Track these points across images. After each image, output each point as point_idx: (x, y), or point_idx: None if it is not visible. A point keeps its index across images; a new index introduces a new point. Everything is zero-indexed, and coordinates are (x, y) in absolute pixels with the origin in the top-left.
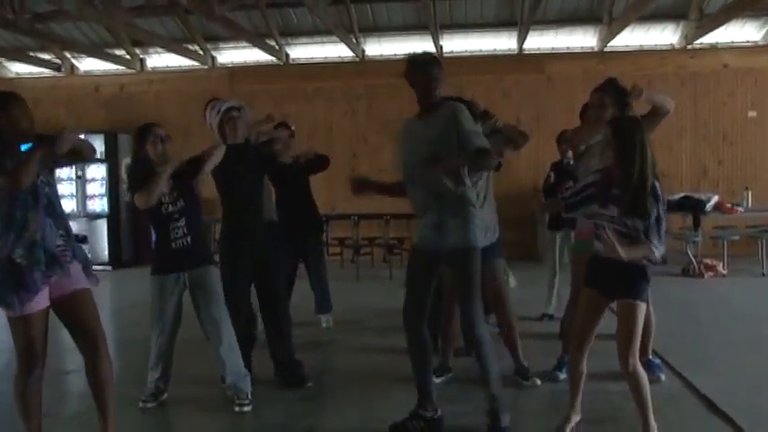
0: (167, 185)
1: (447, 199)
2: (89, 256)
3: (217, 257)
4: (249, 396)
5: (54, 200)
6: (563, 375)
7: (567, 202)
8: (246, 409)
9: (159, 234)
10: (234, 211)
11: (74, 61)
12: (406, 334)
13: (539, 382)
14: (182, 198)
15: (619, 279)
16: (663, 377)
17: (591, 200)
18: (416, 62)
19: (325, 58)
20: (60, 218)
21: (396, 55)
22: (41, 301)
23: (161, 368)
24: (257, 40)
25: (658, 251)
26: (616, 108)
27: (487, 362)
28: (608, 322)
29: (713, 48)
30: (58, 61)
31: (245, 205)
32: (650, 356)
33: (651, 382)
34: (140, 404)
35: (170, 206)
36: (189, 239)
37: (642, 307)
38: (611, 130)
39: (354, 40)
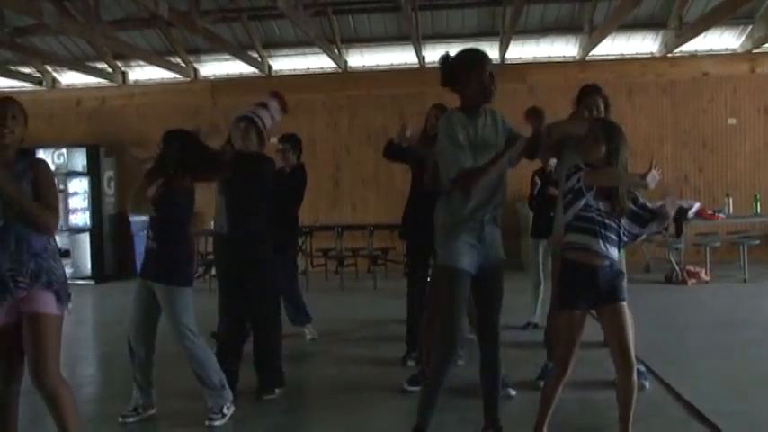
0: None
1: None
2: (61, 278)
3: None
4: (224, 410)
5: (27, 234)
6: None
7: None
8: (217, 423)
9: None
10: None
11: (55, 75)
12: (445, 362)
13: (513, 392)
14: (155, 206)
15: (603, 285)
16: (647, 384)
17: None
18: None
19: (308, 69)
20: (18, 240)
21: (378, 66)
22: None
23: (137, 380)
24: (239, 53)
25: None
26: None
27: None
28: (591, 330)
29: (693, 56)
30: (39, 75)
31: (231, 212)
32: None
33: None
34: (119, 419)
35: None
36: (155, 246)
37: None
38: (602, 129)
39: (337, 52)
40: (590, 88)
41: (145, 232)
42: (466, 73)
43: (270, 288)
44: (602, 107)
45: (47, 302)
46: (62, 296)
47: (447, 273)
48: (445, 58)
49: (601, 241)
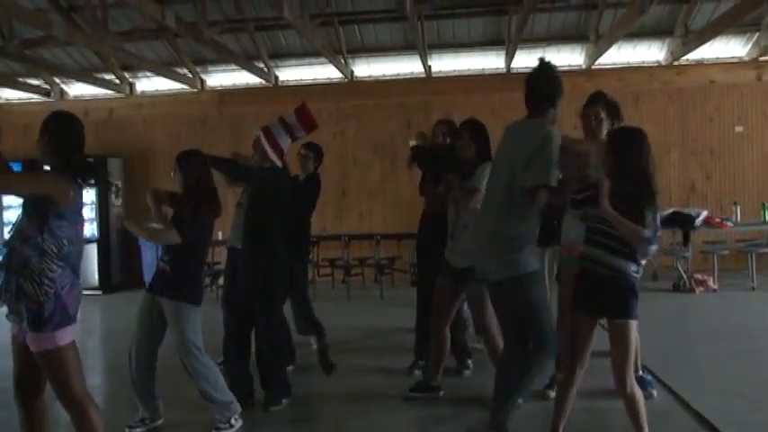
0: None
1: None
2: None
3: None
4: (232, 421)
5: (16, 247)
6: (554, 393)
7: (573, 199)
8: None
9: None
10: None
11: (63, 86)
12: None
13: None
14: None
15: (609, 297)
16: (655, 393)
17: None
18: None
19: (315, 79)
20: (19, 268)
21: (384, 75)
22: (14, 329)
23: (139, 393)
24: (246, 63)
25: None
26: (610, 120)
27: None
28: (600, 339)
29: (699, 64)
30: (47, 86)
31: (249, 227)
32: (641, 372)
33: (644, 398)
34: (126, 430)
35: None
36: (168, 268)
37: (634, 325)
38: (608, 139)
39: (343, 62)
40: (591, 98)
41: (152, 243)
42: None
43: (279, 301)
44: (602, 115)
45: (38, 342)
46: (31, 321)
47: (539, 276)
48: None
49: (610, 253)
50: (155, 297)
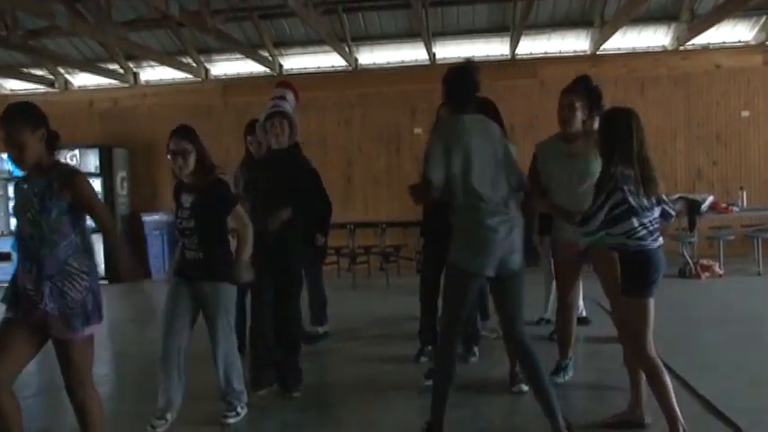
0: (188, 201)
1: None
2: (79, 300)
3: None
4: (238, 409)
5: (35, 238)
6: (560, 380)
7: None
8: (231, 421)
9: (177, 242)
10: (255, 214)
11: (67, 76)
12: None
13: (525, 388)
14: (194, 219)
15: (626, 273)
16: None
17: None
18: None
19: (318, 67)
20: (41, 259)
21: (388, 63)
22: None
23: (163, 382)
24: (250, 52)
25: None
26: (587, 111)
27: None
28: (604, 326)
29: (705, 48)
30: (51, 77)
31: (265, 210)
32: None
33: None
34: (148, 428)
35: (183, 222)
36: (201, 255)
37: (648, 303)
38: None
39: (347, 50)
40: (570, 85)
41: (158, 232)
42: None
43: (298, 286)
44: (576, 104)
45: (64, 329)
46: (79, 319)
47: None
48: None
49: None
50: (191, 283)
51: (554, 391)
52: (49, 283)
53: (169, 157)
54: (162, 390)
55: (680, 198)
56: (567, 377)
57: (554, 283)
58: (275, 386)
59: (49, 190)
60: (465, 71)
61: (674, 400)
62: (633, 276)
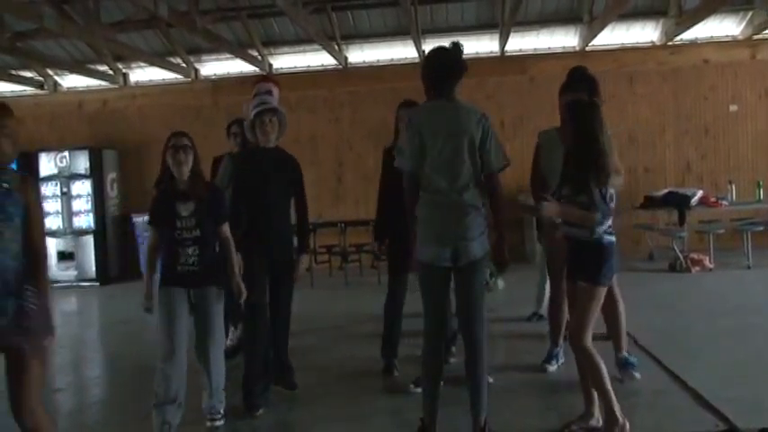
0: (188, 209)
1: None
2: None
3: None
4: (222, 410)
5: (9, 267)
6: (552, 367)
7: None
8: (218, 423)
9: (169, 253)
10: (252, 213)
11: (56, 78)
12: None
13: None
14: (199, 228)
15: (579, 261)
16: (638, 375)
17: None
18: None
19: (308, 66)
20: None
21: (378, 61)
22: None
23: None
24: (240, 51)
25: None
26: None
27: None
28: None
29: (693, 43)
30: (40, 79)
31: (262, 208)
32: (625, 353)
33: (626, 380)
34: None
35: (184, 232)
36: (199, 263)
37: (599, 291)
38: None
39: (337, 48)
40: (570, 82)
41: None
42: None
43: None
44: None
45: (21, 341)
46: (37, 331)
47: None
48: None
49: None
50: (192, 290)
51: (486, 393)
52: (12, 300)
53: (169, 154)
54: (165, 387)
55: (669, 192)
56: (558, 364)
57: (546, 278)
58: (271, 387)
59: None
60: (429, 57)
61: (611, 392)
62: (593, 264)
